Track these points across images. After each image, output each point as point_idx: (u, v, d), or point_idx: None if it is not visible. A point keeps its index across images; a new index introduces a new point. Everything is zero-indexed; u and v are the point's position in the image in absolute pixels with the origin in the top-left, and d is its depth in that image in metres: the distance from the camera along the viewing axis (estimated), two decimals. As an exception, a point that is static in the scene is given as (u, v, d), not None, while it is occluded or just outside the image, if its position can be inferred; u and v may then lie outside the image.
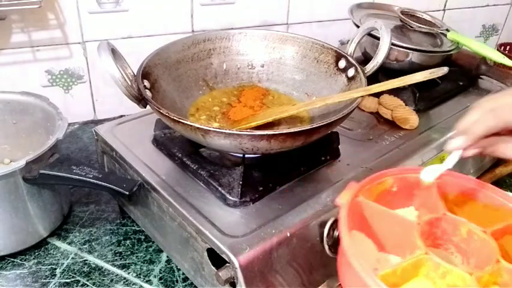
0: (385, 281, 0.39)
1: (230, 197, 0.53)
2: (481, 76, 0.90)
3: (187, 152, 0.60)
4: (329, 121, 0.52)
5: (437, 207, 0.48)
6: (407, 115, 0.72)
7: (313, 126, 0.51)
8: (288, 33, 0.73)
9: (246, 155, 0.58)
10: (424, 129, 0.72)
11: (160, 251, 0.63)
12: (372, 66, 0.64)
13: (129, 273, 0.60)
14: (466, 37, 0.85)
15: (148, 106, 0.56)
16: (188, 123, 0.50)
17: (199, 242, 0.51)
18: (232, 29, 0.90)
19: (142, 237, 0.65)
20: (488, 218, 0.48)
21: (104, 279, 0.59)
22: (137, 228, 0.67)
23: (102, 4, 0.84)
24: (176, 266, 0.61)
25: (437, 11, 1.21)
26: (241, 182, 0.54)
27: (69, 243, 0.64)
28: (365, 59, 0.87)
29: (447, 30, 0.88)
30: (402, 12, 0.89)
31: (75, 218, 0.68)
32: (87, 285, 0.58)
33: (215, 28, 0.95)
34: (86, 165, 0.58)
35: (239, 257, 0.46)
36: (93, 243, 0.64)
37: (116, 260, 0.62)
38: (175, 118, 0.51)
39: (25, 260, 0.61)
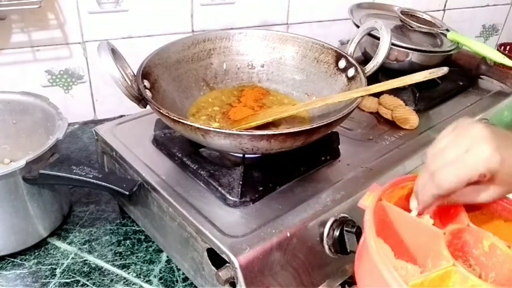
0: None
1: (230, 197, 0.53)
2: (481, 76, 0.90)
3: (187, 152, 0.60)
4: (329, 121, 0.52)
5: (460, 218, 0.46)
6: (407, 115, 0.72)
7: (313, 126, 0.51)
8: (288, 33, 0.73)
9: (246, 155, 0.58)
10: (424, 129, 0.72)
11: (160, 251, 0.63)
12: (372, 66, 0.64)
13: (129, 273, 0.60)
14: (466, 37, 0.85)
15: (148, 106, 0.56)
16: (188, 123, 0.50)
17: (199, 242, 0.51)
18: (232, 29, 0.90)
19: (142, 237, 0.65)
20: (508, 232, 0.47)
21: (104, 279, 0.59)
22: (137, 228, 0.67)
23: (102, 4, 0.84)
24: (176, 266, 0.61)
25: (437, 11, 1.21)
26: (241, 182, 0.54)
27: (69, 243, 0.64)
28: (365, 59, 0.87)
29: (447, 30, 0.88)
30: (402, 12, 0.89)
31: (75, 218, 0.68)
32: (87, 285, 0.58)
33: (215, 28, 0.95)
34: (86, 165, 0.58)
35: (239, 257, 0.46)
36: (93, 243, 0.64)
37: (116, 260, 0.62)
38: (175, 118, 0.51)
39: (25, 260, 0.61)
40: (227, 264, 0.47)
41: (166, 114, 0.51)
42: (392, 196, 0.48)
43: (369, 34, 0.74)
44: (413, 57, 0.80)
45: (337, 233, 0.53)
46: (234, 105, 0.68)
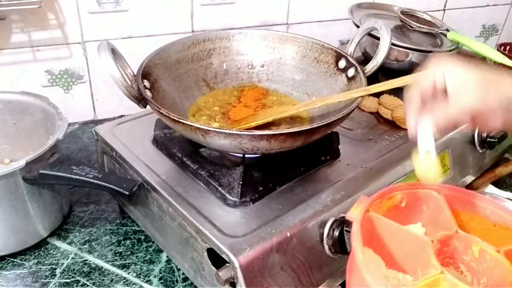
0: None
1: (230, 197, 0.53)
2: (481, 76, 0.90)
3: (187, 152, 0.60)
4: (329, 121, 0.52)
5: (449, 225, 0.47)
6: (407, 115, 0.72)
7: (313, 126, 0.51)
8: (288, 33, 0.73)
9: (246, 155, 0.58)
10: (424, 129, 0.72)
11: (160, 251, 0.63)
12: (372, 66, 0.64)
13: (129, 273, 0.60)
14: (466, 37, 0.85)
15: (148, 106, 0.56)
16: (188, 123, 0.50)
17: (199, 242, 0.51)
18: (232, 29, 0.90)
19: (143, 237, 0.65)
20: (498, 236, 0.47)
21: (104, 279, 0.59)
22: (137, 228, 0.67)
23: (102, 4, 0.84)
24: (176, 266, 0.61)
25: (437, 11, 1.21)
26: (241, 182, 0.54)
27: (69, 243, 0.64)
28: (365, 59, 0.87)
29: (447, 30, 0.88)
30: (402, 12, 0.89)
31: (75, 218, 0.68)
32: (87, 285, 0.58)
33: (215, 28, 0.95)
34: (86, 165, 0.58)
35: (239, 257, 0.46)
36: (93, 243, 0.64)
37: (116, 260, 0.62)
38: (175, 118, 0.51)
39: (25, 260, 0.61)
40: (227, 264, 0.47)
41: (166, 114, 0.51)
42: (381, 207, 0.48)
43: (369, 34, 0.74)
44: (413, 57, 0.80)
45: (337, 233, 0.53)
46: (234, 105, 0.68)
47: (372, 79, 0.62)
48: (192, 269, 0.55)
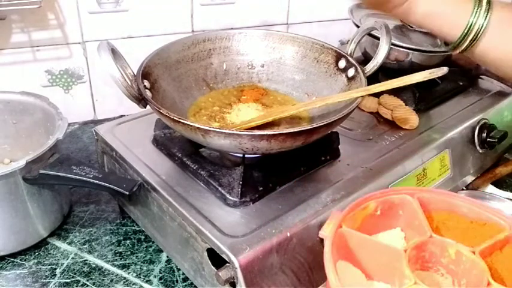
0: None
1: (230, 197, 0.53)
2: (481, 76, 0.90)
3: (187, 152, 0.60)
4: (329, 121, 0.52)
5: (423, 229, 0.47)
6: (407, 115, 0.72)
7: (313, 126, 0.51)
8: (288, 33, 0.73)
9: (246, 155, 0.58)
10: (424, 129, 0.72)
11: (160, 251, 0.63)
12: (372, 66, 0.64)
13: (129, 273, 0.60)
14: (466, 37, 0.85)
15: (148, 106, 0.56)
16: (188, 123, 0.50)
17: (199, 242, 0.51)
18: (232, 29, 0.90)
19: (143, 237, 0.65)
20: (476, 233, 0.48)
21: (104, 279, 0.59)
22: (137, 228, 0.67)
23: (102, 4, 0.84)
24: (176, 266, 0.61)
25: (437, 11, 1.20)
26: (241, 182, 0.54)
27: (69, 243, 0.64)
28: (365, 59, 0.86)
29: (447, 30, 0.88)
30: (402, 12, 0.89)
31: (75, 218, 0.68)
32: (87, 285, 0.58)
33: (215, 28, 0.95)
34: (86, 165, 0.58)
35: (239, 257, 0.46)
36: (93, 243, 0.64)
37: (116, 260, 0.62)
38: (175, 118, 0.51)
39: (25, 260, 0.61)
40: (227, 264, 0.47)
41: (166, 114, 0.51)
42: (356, 219, 0.49)
43: (369, 34, 0.74)
44: (413, 57, 0.80)
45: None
46: (234, 105, 0.68)
47: (372, 79, 0.62)
48: (192, 269, 0.55)
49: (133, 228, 0.67)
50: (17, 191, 0.57)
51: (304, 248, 0.52)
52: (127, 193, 0.56)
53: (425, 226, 0.47)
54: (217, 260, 0.49)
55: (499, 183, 0.80)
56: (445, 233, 0.48)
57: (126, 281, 0.59)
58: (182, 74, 0.67)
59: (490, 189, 0.79)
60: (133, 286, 0.58)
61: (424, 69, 0.58)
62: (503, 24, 0.61)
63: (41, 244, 0.63)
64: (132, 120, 0.70)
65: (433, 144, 0.69)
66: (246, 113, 0.65)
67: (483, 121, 0.76)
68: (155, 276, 0.59)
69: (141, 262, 0.61)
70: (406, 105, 0.75)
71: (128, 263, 0.61)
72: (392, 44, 0.72)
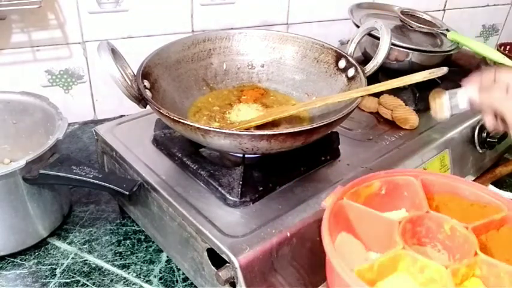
0: (362, 275, 0.41)
1: (230, 197, 0.53)
2: (481, 76, 0.90)
3: (187, 152, 0.60)
4: (329, 121, 0.52)
5: (421, 206, 0.49)
6: (407, 115, 0.72)
7: (313, 126, 0.51)
8: (288, 33, 0.73)
9: (246, 155, 0.58)
10: (424, 129, 0.72)
11: (160, 251, 0.63)
12: (372, 66, 0.64)
13: (129, 273, 0.60)
14: (466, 37, 0.85)
15: (148, 106, 0.56)
16: (188, 123, 0.50)
17: (199, 242, 0.51)
18: (232, 29, 0.90)
19: (143, 237, 0.65)
20: (476, 215, 0.49)
21: (104, 279, 0.59)
22: (137, 228, 0.67)
23: (102, 4, 0.84)
24: (176, 266, 0.61)
25: (437, 11, 1.21)
26: (241, 182, 0.54)
27: (69, 243, 0.64)
28: (365, 59, 0.87)
29: (447, 30, 0.88)
30: (402, 12, 0.89)
31: (75, 218, 0.68)
32: (87, 285, 0.58)
33: (215, 28, 0.95)
34: (86, 165, 0.58)
35: (239, 257, 0.46)
36: (93, 243, 0.64)
37: (116, 260, 0.62)
38: (175, 118, 0.51)
39: (25, 260, 0.61)
40: (227, 264, 0.47)
41: (166, 114, 0.51)
42: (359, 195, 0.50)
43: (369, 34, 0.74)
44: (413, 57, 0.80)
45: (337, 233, 0.53)
46: (234, 105, 0.68)
47: (372, 79, 0.62)
48: (192, 269, 0.55)
49: (133, 228, 0.67)
50: (17, 191, 0.57)
51: (304, 248, 0.52)
52: (127, 193, 0.56)
53: (422, 202, 0.49)
54: (217, 260, 0.49)
55: (499, 183, 0.80)
56: (445, 213, 0.50)
57: (126, 281, 0.59)
58: (182, 74, 0.67)
59: (490, 189, 0.79)
60: (133, 286, 0.58)
61: (424, 69, 0.58)
62: None
63: (41, 244, 0.63)
64: (132, 120, 0.70)
65: (433, 144, 0.69)
66: (246, 113, 0.65)
67: (483, 121, 0.76)
68: (155, 276, 0.59)
69: (141, 262, 0.61)
70: (406, 105, 0.75)
71: (128, 263, 0.61)
72: (393, 44, 0.73)
